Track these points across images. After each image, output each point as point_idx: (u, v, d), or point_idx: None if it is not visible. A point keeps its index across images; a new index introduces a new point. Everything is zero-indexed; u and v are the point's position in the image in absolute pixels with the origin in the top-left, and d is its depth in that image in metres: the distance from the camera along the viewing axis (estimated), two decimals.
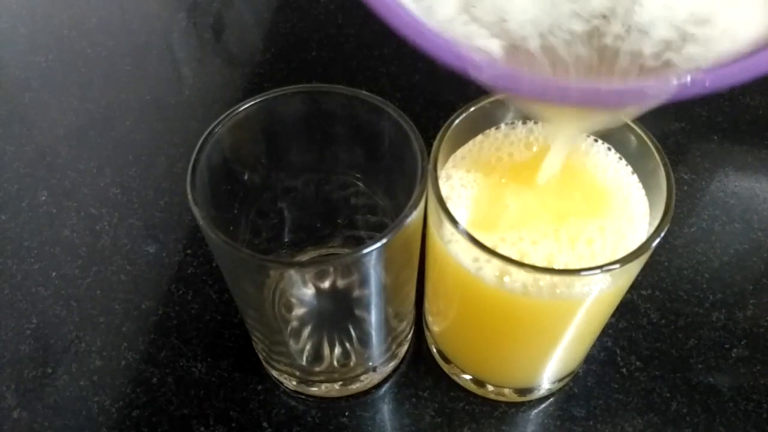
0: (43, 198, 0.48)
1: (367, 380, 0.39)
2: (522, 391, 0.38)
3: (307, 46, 0.57)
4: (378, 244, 0.27)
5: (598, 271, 0.27)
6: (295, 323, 0.36)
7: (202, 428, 0.38)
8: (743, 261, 0.44)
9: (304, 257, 0.41)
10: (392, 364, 0.39)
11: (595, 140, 0.33)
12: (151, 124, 0.52)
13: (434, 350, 0.40)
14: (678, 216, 0.46)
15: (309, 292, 0.33)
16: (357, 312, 0.33)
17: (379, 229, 0.28)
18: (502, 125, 0.34)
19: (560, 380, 0.38)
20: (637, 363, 0.40)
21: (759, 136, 0.51)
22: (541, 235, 0.30)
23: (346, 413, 0.38)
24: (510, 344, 0.35)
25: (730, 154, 0.50)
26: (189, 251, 0.45)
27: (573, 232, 0.30)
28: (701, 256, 0.44)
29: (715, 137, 0.51)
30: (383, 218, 0.37)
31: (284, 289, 0.34)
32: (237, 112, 0.32)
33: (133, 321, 0.42)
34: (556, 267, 0.29)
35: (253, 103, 0.32)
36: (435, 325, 0.39)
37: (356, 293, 0.31)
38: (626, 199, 0.31)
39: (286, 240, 0.39)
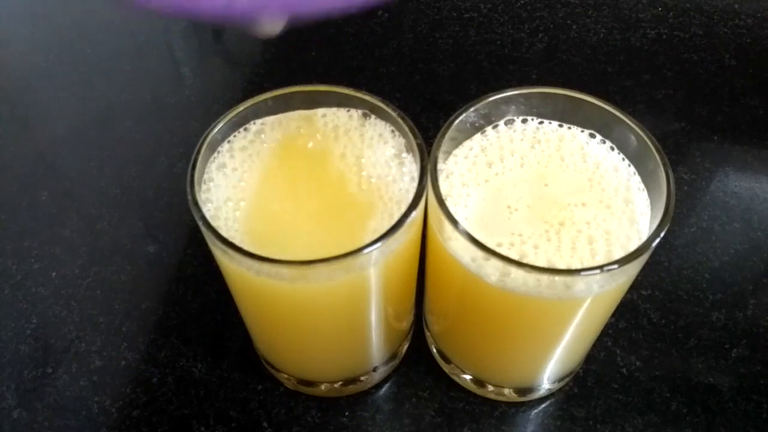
0: (43, 198, 0.48)
1: (367, 380, 0.39)
2: (522, 391, 0.38)
3: (307, 46, 0.57)
4: (378, 244, 0.27)
5: (598, 271, 0.27)
6: (294, 324, 0.36)
7: (202, 428, 0.38)
8: (743, 261, 0.44)
9: None
10: (392, 364, 0.39)
11: (593, 136, 0.33)
12: (151, 124, 0.52)
13: (434, 350, 0.40)
14: (678, 216, 0.46)
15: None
16: (357, 312, 0.33)
17: None
18: (502, 124, 0.34)
19: (560, 380, 0.38)
20: (637, 363, 0.40)
21: (759, 136, 0.51)
22: (542, 234, 0.30)
23: (346, 413, 0.38)
24: (510, 344, 0.35)
25: (730, 154, 0.50)
26: (189, 251, 0.45)
27: (573, 232, 0.30)
28: (701, 256, 0.44)
29: (715, 137, 0.51)
30: None
31: None
32: (237, 112, 0.32)
33: (133, 321, 0.42)
34: (557, 267, 0.29)
35: (253, 103, 0.32)
36: (435, 325, 0.39)
37: (356, 293, 0.31)
38: (627, 199, 0.31)
39: None
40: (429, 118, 0.51)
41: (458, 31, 0.58)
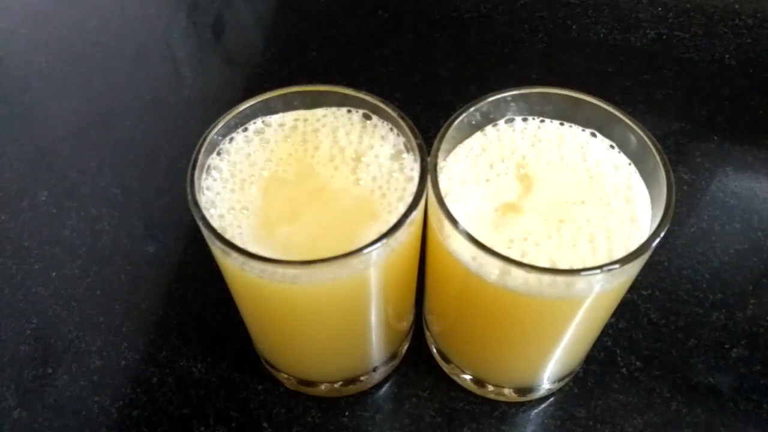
0: (43, 198, 0.48)
1: (367, 380, 0.39)
2: (522, 391, 0.38)
3: (307, 46, 0.57)
4: (378, 244, 0.27)
5: (599, 271, 0.27)
6: (295, 323, 0.36)
7: (202, 428, 0.38)
8: (743, 261, 0.44)
9: None
10: (392, 364, 0.39)
11: (593, 136, 0.33)
12: (151, 124, 0.52)
13: (434, 350, 0.40)
14: (678, 216, 0.46)
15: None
16: (357, 312, 0.33)
17: None
18: (502, 123, 0.34)
19: (560, 380, 0.38)
20: (637, 363, 0.40)
21: (759, 136, 0.51)
22: (542, 232, 0.30)
23: (346, 413, 0.38)
24: (510, 344, 0.35)
25: (730, 154, 0.50)
26: (189, 251, 0.45)
27: (574, 230, 0.30)
28: (701, 256, 0.44)
29: (715, 137, 0.51)
30: None
31: None
32: (237, 112, 0.32)
33: (133, 321, 0.42)
34: (558, 264, 0.29)
35: (253, 103, 0.32)
36: (435, 324, 0.39)
37: (356, 293, 0.31)
38: (628, 198, 0.31)
39: None
40: (429, 118, 0.51)
41: (458, 31, 0.58)
